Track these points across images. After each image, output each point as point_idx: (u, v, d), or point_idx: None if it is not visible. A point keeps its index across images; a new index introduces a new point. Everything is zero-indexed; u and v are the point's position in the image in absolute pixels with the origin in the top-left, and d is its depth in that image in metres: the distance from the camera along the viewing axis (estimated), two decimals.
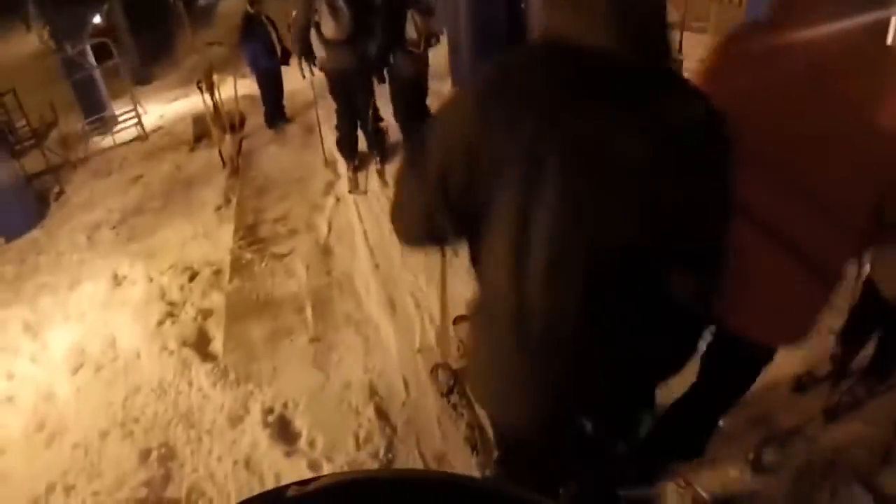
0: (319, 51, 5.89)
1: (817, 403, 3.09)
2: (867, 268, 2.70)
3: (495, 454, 2.50)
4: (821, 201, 1.78)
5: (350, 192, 6.36)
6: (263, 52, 8.47)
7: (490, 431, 2.83)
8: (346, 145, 6.63)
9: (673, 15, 5.53)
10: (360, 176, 6.51)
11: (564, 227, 1.34)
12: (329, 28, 5.68)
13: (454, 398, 3.47)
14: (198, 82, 8.43)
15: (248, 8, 8.34)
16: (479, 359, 1.74)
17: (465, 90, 1.51)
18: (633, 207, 1.33)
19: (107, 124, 11.90)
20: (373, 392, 3.73)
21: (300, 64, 6.23)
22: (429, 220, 1.54)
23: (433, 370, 3.70)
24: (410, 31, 5.70)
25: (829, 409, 3.11)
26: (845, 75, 1.67)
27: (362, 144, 6.67)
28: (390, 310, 4.42)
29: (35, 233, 7.97)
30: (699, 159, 1.35)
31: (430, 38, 5.99)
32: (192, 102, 9.80)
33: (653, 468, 2.77)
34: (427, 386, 3.67)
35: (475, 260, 1.60)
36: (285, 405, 3.76)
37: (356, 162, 6.66)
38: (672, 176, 1.31)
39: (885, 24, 1.85)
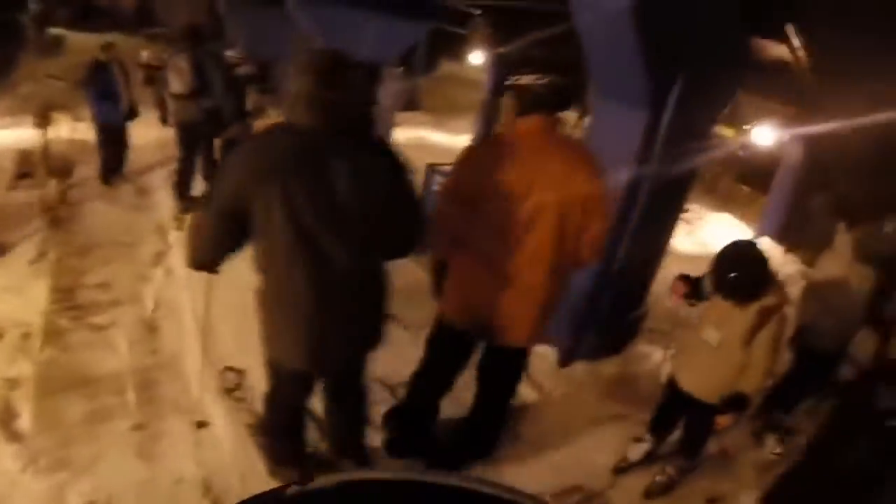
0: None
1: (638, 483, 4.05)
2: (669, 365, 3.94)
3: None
4: (513, 236, 3.07)
5: (177, 229, 6.65)
6: (110, 103, 8.23)
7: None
8: (183, 184, 7.69)
9: None
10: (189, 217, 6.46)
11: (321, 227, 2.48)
12: (175, 85, 7.28)
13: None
14: (33, 116, 7.99)
15: (100, 54, 8.17)
16: (275, 327, 2.79)
17: (236, 156, 2.58)
18: (353, 209, 2.51)
19: None
20: (207, 489, 3.56)
21: None
22: (222, 239, 2.61)
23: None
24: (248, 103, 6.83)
25: (647, 488, 4.03)
26: (533, 152, 3.02)
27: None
28: (221, 397, 4.28)
29: None
30: (388, 182, 2.60)
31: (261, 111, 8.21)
32: (19, 135, 9.12)
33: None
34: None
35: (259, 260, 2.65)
36: (109, 499, 3.45)
37: (188, 202, 7.43)
38: (370, 192, 2.52)
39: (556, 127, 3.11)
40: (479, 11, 9.66)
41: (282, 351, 2.87)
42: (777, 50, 5.10)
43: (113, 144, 8.63)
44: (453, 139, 15.99)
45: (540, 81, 3.02)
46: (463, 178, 3.21)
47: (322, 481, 1.24)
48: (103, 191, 8.41)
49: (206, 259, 2.75)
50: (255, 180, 2.43)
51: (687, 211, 10.21)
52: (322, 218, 2.49)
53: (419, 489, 1.24)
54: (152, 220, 7.22)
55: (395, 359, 3.95)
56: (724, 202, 12.86)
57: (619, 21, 3.92)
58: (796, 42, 4.86)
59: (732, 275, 3.32)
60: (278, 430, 3.42)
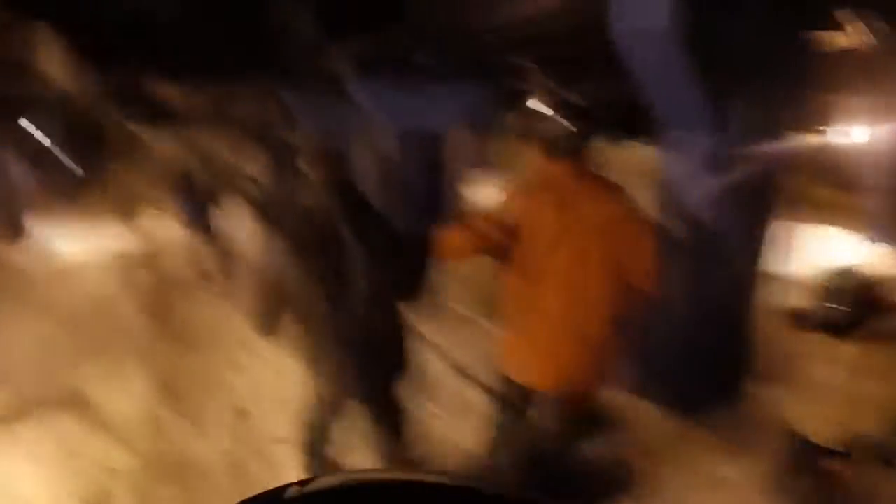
0: None
1: None
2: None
3: None
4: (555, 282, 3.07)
5: None
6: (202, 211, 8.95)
7: None
8: None
9: None
10: None
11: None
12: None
13: None
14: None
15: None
16: None
17: None
18: None
19: (18, 232, 11.60)
20: None
21: None
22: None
23: None
24: None
25: None
26: (563, 195, 3.05)
27: None
28: None
29: None
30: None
31: None
32: (112, 232, 9.64)
33: None
34: None
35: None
36: None
37: None
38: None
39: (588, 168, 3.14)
40: (534, 64, 9.74)
41: None
42: (839, 39, 4.83)
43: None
44: None
45: (561, 127, 3.08)
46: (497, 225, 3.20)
47: (322, 481, 1.21)
48: (200, 283, 8.76)
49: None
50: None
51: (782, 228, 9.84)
52: None
53: (419, 489, 1.20)
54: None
55: None
56: (820, 212, 12.25)
57: (662, 43, 3.84)
58: (857, 26, 4.60)
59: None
60: None
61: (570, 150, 3.09)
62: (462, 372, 5.51)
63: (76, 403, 5.55)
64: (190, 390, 5.74)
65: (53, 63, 5.48)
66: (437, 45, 7.74)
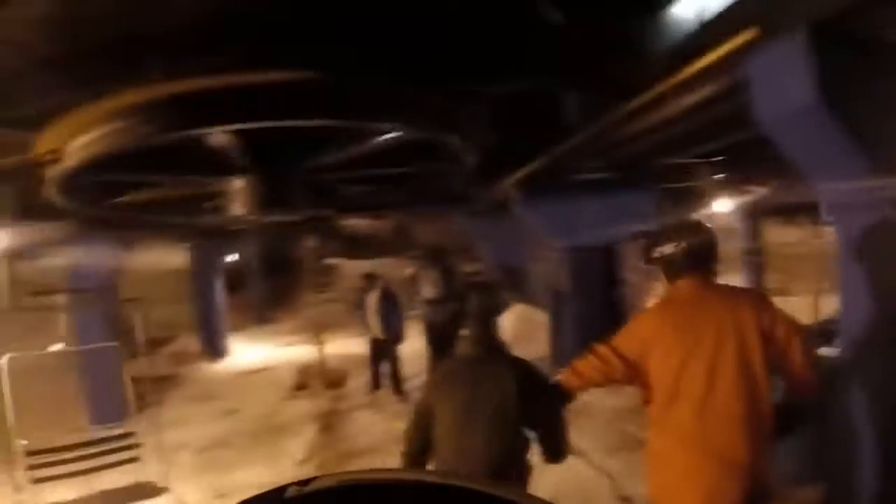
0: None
1: None
2: None
3: None
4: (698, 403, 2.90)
5: None
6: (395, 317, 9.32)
7: None
8: None
9: None
10: None
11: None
12: (427, 291, 8.97)
13: None
14: (311, 335, 8.98)
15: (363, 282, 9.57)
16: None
17: (429, 381, 3.78)
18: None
19: (220, 352, 12.71)
20: None
21: None
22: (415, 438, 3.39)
23: None
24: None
25: None
26: (693, 311, 2.99)
27: None
28: None
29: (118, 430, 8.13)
30: (527, 386, 3.23)
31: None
32: (300, 352, 10.34)
33: None
34: None
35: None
36: None
37: None
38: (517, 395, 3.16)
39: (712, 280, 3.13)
40: (700, 160, 9.41)
41: None
42: None
43: (380, 357, 9.47)
44: None
45: (678, 247, 3.08)
46: (628, 349, 3.13)
47: (322, 481, 1.15)
48: (371, 400, 9.10)
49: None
50: (438, 396, 3.44)
51: None
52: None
53: (419, 489, 1.21)
54: None
55: None
56: None
57: (811, 122, 3.52)
58: None
59: None
60: None
61: (688, 267, 3.07)
62: None
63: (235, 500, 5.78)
64: None
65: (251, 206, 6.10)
66: (599, 158, 7.69)
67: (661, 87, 5.00)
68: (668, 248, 3.13)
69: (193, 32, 3.55)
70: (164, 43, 3.76)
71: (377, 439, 7.42)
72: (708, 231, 3.22)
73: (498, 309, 8.48)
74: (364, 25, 4.27)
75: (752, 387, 2.86)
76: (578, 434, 5.91)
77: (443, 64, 5.27)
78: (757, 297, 3.08)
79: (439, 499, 1.16)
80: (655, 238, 3.32)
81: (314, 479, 1.16)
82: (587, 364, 3.26)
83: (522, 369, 3.36)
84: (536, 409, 3.26)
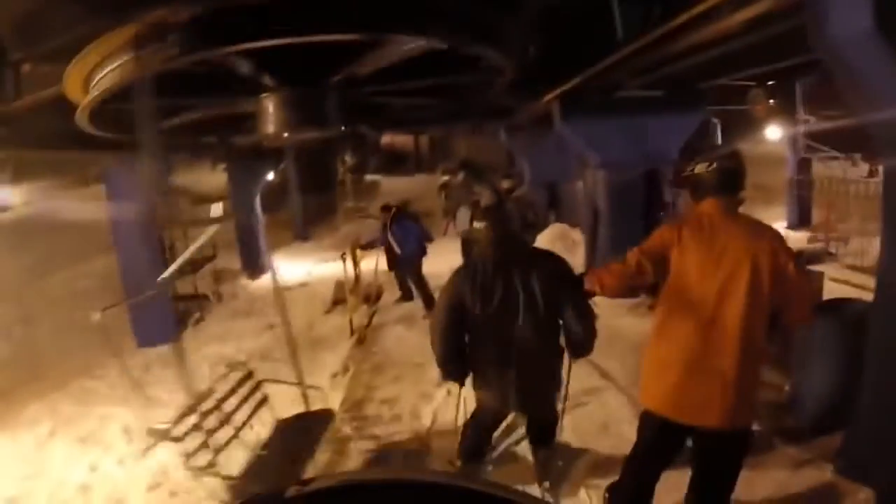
0: None
1: None
2: None
3: None
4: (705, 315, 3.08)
5: None
6: (408, 240, 9.47)
7: None
8: None
9: None
10: None
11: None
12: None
13: None
14: (342, 254, 9.06)
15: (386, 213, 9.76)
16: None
17: (454, 278, 3.96)
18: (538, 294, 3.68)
19: (260, 269, 12.93)
20: None
21: None
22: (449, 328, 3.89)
23: None
24: None
25: None
26: (714, 232, 3.12)
27: None
28: None
29: (165, 349, 8.43)
30: (557, 277, 3.76)
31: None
32: (339, 267, 10.46)
33: None
34: None
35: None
36: None
37: None
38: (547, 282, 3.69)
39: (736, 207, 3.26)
40: (753, 83, 9.06)
41: None
42: None
43: (406, 274, 9.73)
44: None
45: (709, 169, 3.22)
46: (652, 252, 3.32)
47: (322, 481, 1.16)
48: (403, 314, 9.26)
49: (439, 356, 4.02)
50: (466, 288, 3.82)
51: None
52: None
53: (419, 489, 1.20)
54: None
55: None
56: None
57: (869, 48, 3.30)
58: None
59: None
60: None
61: (714, 189, 3.22)
62: None
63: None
64: (380, 415, 5.92)
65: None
66: (647, 74, 7.42)
67: (713, 1, 4.74)
68: (698, 169, 3.28)
69: None
70: None
71: (409, 352, 7.56)
72: (738, 158, 3.29)
73: (536, 225, 8.50)
74: None
75: (757, 314, 3.05)
76: (605, 359, 5.94)
77: None
78: (775, 234, 3.17)
79: (439, 499, 1.16)
80: (688, 159, 3.44)
81: (314, 479, 1.17)
82: (609, 271, 3.47)
83: (549, 262, 3.89)
84: (562, 296, 3.73)
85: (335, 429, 5.55)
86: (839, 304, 5.08)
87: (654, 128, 8.92)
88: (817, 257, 10.20)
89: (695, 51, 5.92)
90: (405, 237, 9.46)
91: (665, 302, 3.30)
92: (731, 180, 3.23)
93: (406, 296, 9.94)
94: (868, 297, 4.40)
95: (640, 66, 6.93)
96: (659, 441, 3.41)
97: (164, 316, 9.22)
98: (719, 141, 15.30)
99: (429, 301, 9.18)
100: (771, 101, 9.88)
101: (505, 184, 9.67)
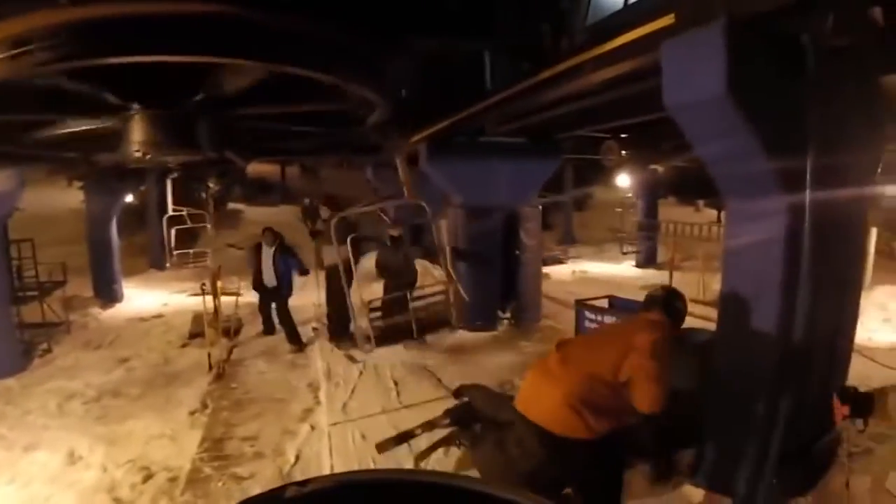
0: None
1: None
2: None
3: None
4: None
5: None
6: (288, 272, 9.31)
7: None
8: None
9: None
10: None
11: None
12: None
13: None
14: (202, 284, 8.80)
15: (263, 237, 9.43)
16: None
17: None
18: None
19: (113, 298, 12.27)
20: None
21: None
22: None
23: None
24: None
25: None
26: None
27: None
28: None
29: (10, 381, 7.96)
30: None
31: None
32: (196, 299, 10.12)
33: None
34: None
35: None
36: None
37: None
38: None
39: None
40: (607, 135, 9.78)
41: None
42: None
43: (268, 306, 9.56)
44: (615, 268, 15.82)
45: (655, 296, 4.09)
46: None
47: (322, 481, 1.18)
48: (264, 348, 9.06)
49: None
50: None
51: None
52: None
53: (419, 489, 1.17)
54: (305, 378, 7.63)
55: None
56: None
57: (720, 109, 3.69)
58: None
59: None
60: None
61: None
62: None
63: (128, 449, 5.82)
64: (242, 452, 5.77)
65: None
66: (512, 122, 7.82)
67: (577, 60, 5.11)
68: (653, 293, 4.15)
69: None
70: None
71: (271, 388, 7.44)
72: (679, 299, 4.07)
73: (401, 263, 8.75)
74: None
75: (602, 375, 3.65)
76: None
77: (367, 10, 5.21)
78: (657, 329, 3.80)
79: (439, 499, 1.21)
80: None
81: (314, 479, 1.19)
82: None
83: None
84: None
85: (195, 469, 5.38)
86: (684, 333, 5.61)
87: (514, 173, 9.40)
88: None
89: (557, 104, 6.32)
90: (286, 269, 9.31)
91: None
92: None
93: (268, 329, 9.73)
94: (711, 326, 4.97)
95: (505, 114, 7.29)
96: None
97: (9, 345, 8.56)
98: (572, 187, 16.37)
99: (293, 336, 9.07)
100: (623, 152, 10.63)
101: (394, 232, 9.86)
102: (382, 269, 9.67)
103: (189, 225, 15.79)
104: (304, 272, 9.66)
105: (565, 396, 3.59)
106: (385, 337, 8.65)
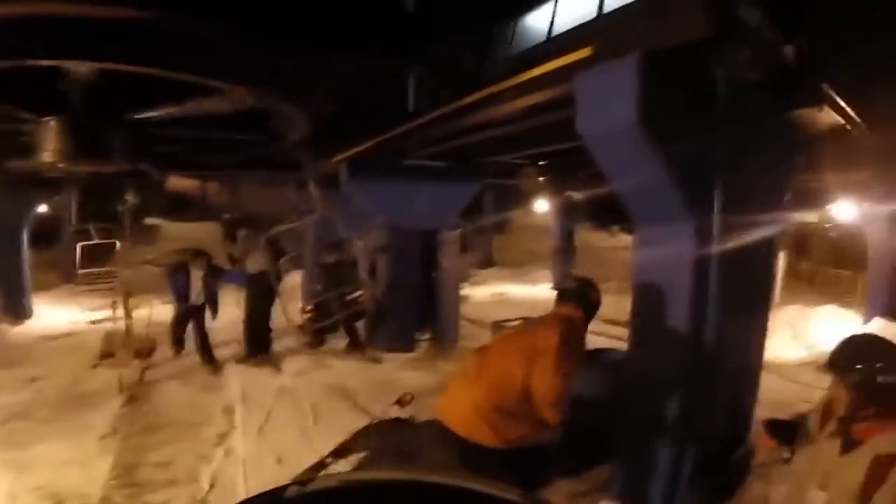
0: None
1: None
2: None
3: None
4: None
5: None
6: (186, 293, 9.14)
7: None
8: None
9: None
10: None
11: None
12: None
13: None
14: (114, 301, 8.52)
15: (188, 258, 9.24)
16: None
17: None
18: None
19: (22, 314, 11.76)
20: None
21: None
22: None
23: None
24: None
25: None
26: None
27: None
28: None
29: None
30: None
31: None
32: (108, 317, 9.74)
33: None
34: None
35: None
36: None
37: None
38: None
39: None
40: (526, 162, 10.06)
41: None
42: (827, 117, 4.87)
43: (183, 322, 9.38)
44: (533, 290, 16.10)
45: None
46: None
47: (322, 481, 1.19)
48: (178, 369, 8.82)
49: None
50: None
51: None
52: None
53: (419, 489, 1.18)
54: (221, 401, 7.47)
55: None
56: (825, 293, 12.12)
57: (632, 139, 3.86)
58: (839, 102, 4.64)
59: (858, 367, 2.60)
60: None
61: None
62: None
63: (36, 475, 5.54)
64: (154, 479, 5.59)
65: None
66: (432, 146, 7.95)
67: (499, 87, 5.27)
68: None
69: None
70: None
71: (185, 411, 7.24)
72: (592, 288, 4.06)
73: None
74: None
75: (512, 380, 3.68)
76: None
77: (294, 29, 5.22)
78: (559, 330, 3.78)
79: (439, 499, 1.22)
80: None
81: (314, 479, 1.19)
82: None
83: None
84: None
85: (106, 497, 5.18)
86: (599, 353, 5.84)
87: (434, 195, 9.54)
88: None
89: (479, 129, 6.47)
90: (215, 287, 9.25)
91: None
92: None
93: (178, 344, 9.50)
94: (623, 346, 5.11)
95: (427, 138, 7.40)
96: None
97: None
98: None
99: (208, 353, 8.91)
100: (541, 178, 10.93)
101: (329, 258, 9.95)
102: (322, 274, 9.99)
103: (95, 241, 15.19)
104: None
105: (475, 401, 3.66)
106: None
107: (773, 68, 4.14)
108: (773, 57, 4.08)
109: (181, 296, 9.15)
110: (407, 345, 9.80)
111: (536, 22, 5.32)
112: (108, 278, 14.79)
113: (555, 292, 4.30)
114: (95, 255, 15.61)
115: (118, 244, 15.60)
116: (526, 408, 3.63)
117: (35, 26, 3.82)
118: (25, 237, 12.77)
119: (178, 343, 9.47)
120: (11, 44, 3.87)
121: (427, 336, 10.28)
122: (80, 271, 14.96)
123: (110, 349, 8.93)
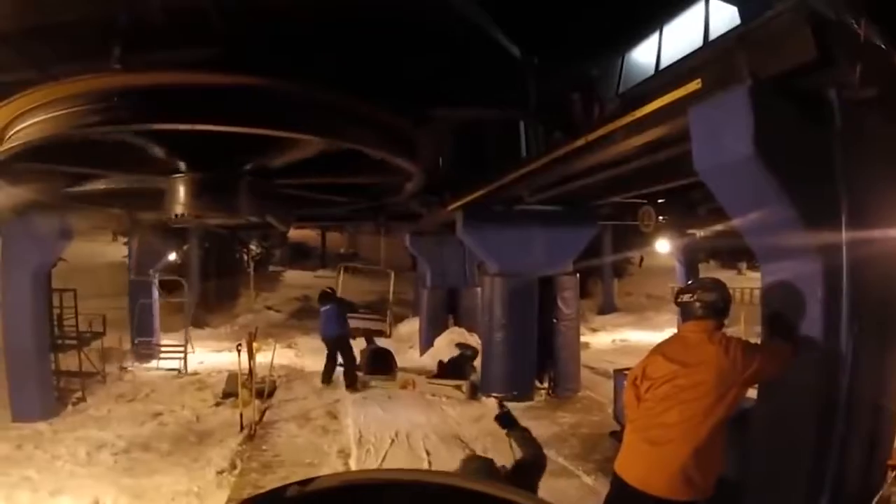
0: None
1: None
2: None
3: None
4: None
5: None
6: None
7: None
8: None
9: None
10: None
11: None
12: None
13: None
14: (238, 344, 8.87)
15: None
16: None
17: None
18: None
19: (150, 353, 12.49)
20: None
21: None
22: None
23: None
24: None
25: None
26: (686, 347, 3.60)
27: None
28: None
29: (42, 425, 8.12)
30: None
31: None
32: (231, 358, 10.17)
33: None
34: None
35: None
36: None
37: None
38: None
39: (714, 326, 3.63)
40: (644, 201, 9.76)
41: None
42: None
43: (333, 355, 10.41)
44: (657, 336, 15.53)
45: (693, 298, 3.68)
46: (637, 369, 3.82)
47: (322, 481, 1.16)
48: (296, 412, 9.02)
49: None
50: None
51: None
52: None
53: (419, 489, 1.22)
54: (336, 444, 7.57)
55: None
56: None
57: (748, 169, 3.68)
58: None
59: None
60: None
61: (696, 316, 3.68)
62: None
63: None
64: None
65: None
66: (547, 190, 7.88)
67: (609, 127, 5.18)
68: (685, 298, 3.73)
69: (162, 27, 3.55)
70: (129, 33, 3.75)
71: (301, 452, 7.37)
72: (720, 290, 3.71)
73: None
74: (331, 39, 4.34)
75: (698, 416, 3.45)
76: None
77: (404, 86, 5.37)
78: (741, 356, 3.52)
79: (439, 499, 1.20)
80: (683, 287, 3.99)
81: (314, 479, 1.19)
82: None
83: None
84: None
85: None
86: None
87: (550, 240, 9.44)
88: None
89: (591, 172, 6.36)
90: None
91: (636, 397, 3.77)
92: (711, 308, 3.65)
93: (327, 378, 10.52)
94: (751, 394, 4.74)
95: (540, 183, 7.34)
96: None
97: (44, 390, 8.75)
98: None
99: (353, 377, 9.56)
100: (660, 217, 10.59)
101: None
102: None
103: (165, 299, 14.87)
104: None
105: (685, 457, 3.45)
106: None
107: (887, 81, 3.85)
108: (886, 68, 3.80)
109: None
110: (526, 393, 9.56)
111: (643, 56, 5.21)
112: (175, 351, 13.09)
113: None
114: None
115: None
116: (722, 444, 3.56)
117: (177, 92, 4.08)
118: (156, 282, 13.69)
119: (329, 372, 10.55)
120: (135, 110, 4.12)
121: (546, 385, 10.04)
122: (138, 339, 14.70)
123: (233, 389, 9.29)
